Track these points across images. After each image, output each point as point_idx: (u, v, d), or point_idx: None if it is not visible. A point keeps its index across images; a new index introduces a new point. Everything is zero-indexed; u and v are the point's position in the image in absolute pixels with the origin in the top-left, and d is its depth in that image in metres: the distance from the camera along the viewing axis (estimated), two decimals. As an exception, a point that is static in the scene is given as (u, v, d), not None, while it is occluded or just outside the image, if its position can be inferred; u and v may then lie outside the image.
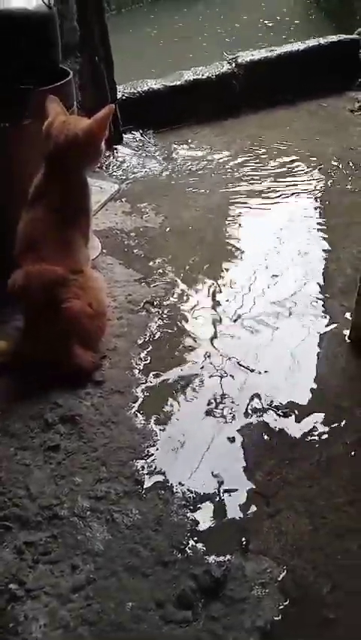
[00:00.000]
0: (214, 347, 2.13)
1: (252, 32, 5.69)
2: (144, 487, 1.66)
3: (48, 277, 1.92)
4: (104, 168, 3.34)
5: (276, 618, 1.36)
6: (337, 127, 3.78)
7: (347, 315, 2.22)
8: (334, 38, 4.21)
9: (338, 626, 1.35)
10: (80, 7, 2.99)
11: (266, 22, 6.29)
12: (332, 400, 1.91)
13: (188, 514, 1.58)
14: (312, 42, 4.17)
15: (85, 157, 2.06)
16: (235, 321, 2.26)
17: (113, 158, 3.43)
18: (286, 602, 1.40)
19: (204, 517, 1.58)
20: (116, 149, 3.48)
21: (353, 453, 1.74)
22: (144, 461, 1.73)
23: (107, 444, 1.77)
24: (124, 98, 3.58)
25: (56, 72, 2.26)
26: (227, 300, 2.37)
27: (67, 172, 2.03)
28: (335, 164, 3.32)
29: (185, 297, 2.38)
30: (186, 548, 1.50)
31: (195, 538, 1.53)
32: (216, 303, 2.35)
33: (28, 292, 1.93)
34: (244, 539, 1.52)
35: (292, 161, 3.36)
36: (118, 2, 6.57)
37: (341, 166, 3.30)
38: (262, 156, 3.44)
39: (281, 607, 1.39)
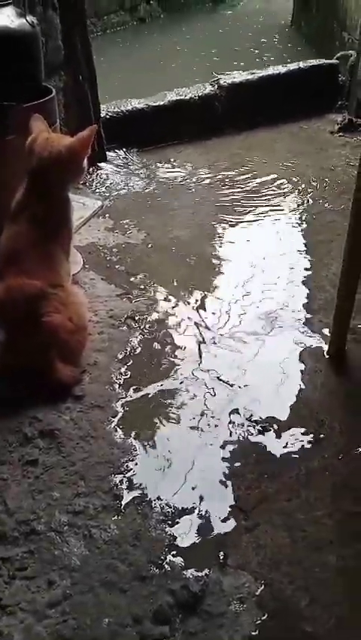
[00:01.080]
0: (195, 362, 2.14)
1: (234, 56, 5.81)
2: (123, 501, 1.65)
3: (29, 291, 1.92)
4: (87, 185, 3.36)
5: (254, 633, 1.36)
6: (317, 148, 3.85)
7: (326, 330, 2.25)
8: (314, 62, 4.32)
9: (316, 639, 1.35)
10: (65, 26, 3.04)
11: (248, 46, 6.42)
12: (311, 415, 1.92)
13: (166, 529, 1.57)
14: (293, 66, 4.27)
15: (67, 173, 2.09)
16: (216, 336, 2.27)
17: (97, 175, 3.46)
18: (264, 617, 1.39)
19: (183, 532, 1.57)
20: (99, 166, 3.51)
21: (331, 467, 1.75)
22: (122, 476, 1.72)
23: (86, 458, 1.76)
24: (108, 117, 3.62)
25: (39, 90, 2.29)
26: (209, 316, 2.38)
27: (49, 188, 2.05)
28: (315, 183, 3.38)
29: (167, 313, 2.39)
30: (164, 563, 1.49)
31: (174, 553, 1.52)
32: (198, 319, 2.37)
33: (8, 306, 1.93)
34: (222, 554, 1.52)
35: (274, 181, 3.41)
36: (104, 24, 6.68)
37: (321, 185, 3.36)
38: (245, 175, 3.49)
39: (259, 621, 1.38)
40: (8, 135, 2.17)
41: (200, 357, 2.17)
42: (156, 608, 1.39)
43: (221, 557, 1.51)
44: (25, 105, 2.15)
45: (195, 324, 2.34)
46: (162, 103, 3.84)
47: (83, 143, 2.05)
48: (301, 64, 4.27)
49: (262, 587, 1.45)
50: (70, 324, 1.98)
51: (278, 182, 3.40)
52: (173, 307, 2.43)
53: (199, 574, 1.47)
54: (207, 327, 2.32)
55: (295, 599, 1.42)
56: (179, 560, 1.50)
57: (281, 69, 4.21)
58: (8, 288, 1.93)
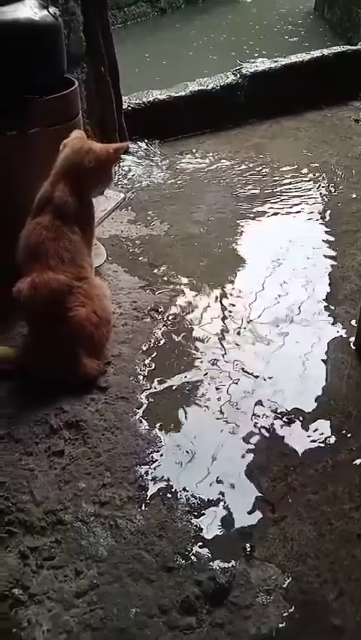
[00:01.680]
0: (219, 353, 2.13)
1: (257, 44, 5.74)
2: (148, 492, 1.65)
3: (54, 286, 1.91)
4: (109, 177, 3.35)
5: (281, 625, 1.35)
6: (341, 137, 3.79)
7: (353, 321, 2.22)
8: (338, 49, 4.24)
9: (345, 633, 1.34)
10: (86, 18, 3.02)
11: (270, 33, 6.34)
12: (337, 407, 1.90)
13: (192, 520, 1.57)
14: (316, 53, 4.20)
15: (97, 180, 2.10)
16: (240, 327, 2.25)
17: (119, 167, 3.45)
18: (292, 609, 1.38)
19: (209, 524, 1.57)
20: (122, 158, 3.50)
21: (359, 459, 1.73)
22: (148, 467, 1.72)
23: (112, 449, 1.77)
24: (130, 108, 3.61)
25: (61, 81, 2.28)
26: (233, 307, 2.37)
27: (79, 190, 2.05)
28: (340, 172, 3.33)
29: (190, 304, 2.38)
30: (191, 554, 1.49)
31: (200, 545, 1.52)
32: (221, 310, 2.35)
33: (34, 302, 1.91)
34: (248, 546, 1.51)
35: (298, 170, 3.37)
36: (125, 15, 6.65)
37: (345, 175, 3.30)
38: (268, 165, 3.45)
39: (286, 614, 1.37)
40: (31, 128, 2.16)
41: (224, 348, 2.16)
42: (182, 598, 1.40)
43: (248, 549, 1.50)
44: (48, 97, 2.14)
45: (219, 315, 2.33)
46: (183, 93, 3.81)
47: (115, 152, 2.09)
48: (325, 52, 4.20)
49: (290, 579, 1.44)
50: (95, 318, 1.98)
51: (302, 171, 3.36)
52: (196, 299, 2.42)
53: (226, 565, 1.47)
54: (230, 319, 2.30)
55: (323, 592, 1.41)
56: (205, 551, 1.50)
57: (305, 57, 4.14)
58: (34, 283, 1.91)
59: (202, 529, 1.55)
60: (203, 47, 6.12)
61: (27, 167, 2.21)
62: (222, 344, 2.18)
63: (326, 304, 2.35)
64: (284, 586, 1.42)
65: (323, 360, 2.09)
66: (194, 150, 3.69)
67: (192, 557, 1.49)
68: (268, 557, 1.48)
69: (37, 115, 2.17)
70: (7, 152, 2.18)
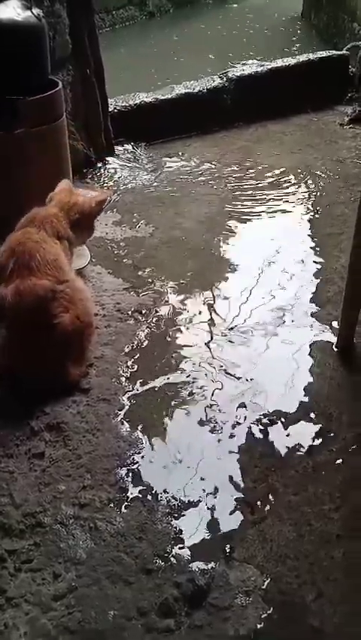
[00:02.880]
0: (203, 355, 2.13)
1: (244, 49, 5.76)
2: (129, 494, 1.64)
3: (40, 293, 1.88)
4: (95, 180, 3.36)
5: (260, 626, 1.35)
6: (327, 140, 3.81)
7: (335, 324, 2.23)
8: (324, 54, 4.27)
9: (323, 634, 1.34)
10: (72, 20, 3.02)
11: (258, 38, 6.37)
12: (319, 408, 1.91)
13: (172, 522, 1.57)
14: (302, 57, 4.22)
15: (80, 230, 2.17)
16: (224, 330, 2.26)
17: (105, 170, 3.45)
18: (270, 611, 1.38)
19: (189, 525, 1.57)
20: (107, 161, 3.50)
21: (339, 460, 1.73)
22: (128, 469, 1.71)
23: (93, 451, 1.76)
24: (116, 110, 3.61)
25: (45, 83, 2.28)
26: (217, 310, 2.37)
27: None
28: (325, 176, 3.35)
29: (174, 306, 2.38)
30: (170, 556, 1.49)
31: (179, 546, 1.51)
32: (205, 312, 2.35)
33: (19, 309, 1.87)
34: (228, 547, 1.51)
35: (283, 173, 3.39)
36: (113, 19, 6.66)
37: (330, 178, 3.32)
38: (254, 168, 3.46)
39: (265, 615, 1.37)
40: (16, 129, 2.15)
41: (208, 350, 2.15)
42: (161, 600, 1.39)
43: (227, 551, 1.50)
44: (32, 98, 2.14)
45: (203, 317, 2.32)
46: (170, 96, 3.81)
47: (100, 204, 2.20)
48: (311, 56, 4.22)
49: (268, 580, 1.44)
50: (78, 323, 1.97)
51: (287, 174, 3.37)
52: (181, 301, 2.42)
53: (205, 567, 1.46)
54: (215, 321, 2.30)
55: (302, 594, 1.41)
56: (185, 552, 1.50)
57: (291, 61, 4.17)
58: (18, 290, 1.88)
59: (182, 530, 1.55)
60: (191, 51, 6.14)
61: (13, 169, 2.21)
62: (206, 346, 2.18)
63: (310, 306, 2.36)
64: (263, 587, 1.42)
65: (305, 362, 2.09)
66: (180, 153, 3.70)
67: (172, 559, 1.48)
68: (247, 558, 1.48)
69: (21, 116, 2.17)
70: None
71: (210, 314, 2.34)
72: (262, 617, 1.37)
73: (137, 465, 1.73)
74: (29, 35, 2.13)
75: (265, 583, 1.43)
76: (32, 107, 2.16)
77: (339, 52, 4.30)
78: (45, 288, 1.88)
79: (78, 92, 3.17)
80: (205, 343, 2.19)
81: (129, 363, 2.09)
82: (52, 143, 2.29)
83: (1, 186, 2.22)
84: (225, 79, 4.01)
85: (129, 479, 1.68)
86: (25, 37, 2.12)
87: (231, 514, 1.59)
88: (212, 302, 2.41)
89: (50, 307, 1.89)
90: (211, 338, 2.22)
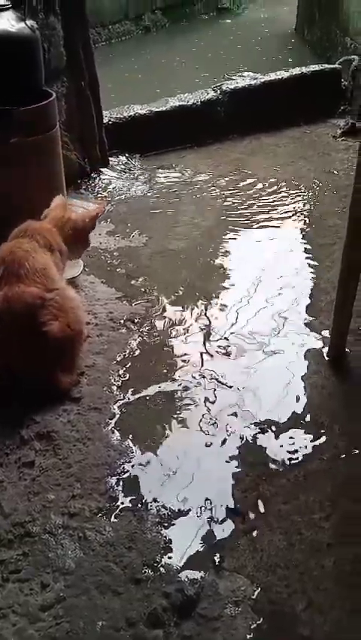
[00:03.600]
0: (195, 365, 2.13)
1: (239, 63, 5.82)
2: (119, 504, 1.63)
3: (28, 300, 1.89)
4: (89, 190, 3.37)
5: (249, 636, 1.33)
6: (320, 152, 3.85)
7: (326, 333, 2.23)
8: (316, 68, 4.32)
9: (313, 644, 1.33)
10: (67, 32, 3.05)
11: (252, 53, 6.44)
12: (310, 417, 1.90)
13: (162, 532, 1.56)
14: (295, 71, 4.27)
15: (74, 245, 2.22)
16: (217, 339, 2.26)
17: (99, 180, 3.47)
18: (260, 621, 1.37)
19: (179, 535, 1.55)
20: (102, 172, 3.51)
21: (330, 468, 1.73)
22: (119, 478, 1.70)
23: (83, 460, 1.75)
24: (110, 122, 3.63)
25: (39, 94, 2.30)
26: (210, 319, 2.37)
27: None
28: (318, 187, 3.37)
29: (167, 316, 2.38)
30: (160, 566, 1.48)
31: (169, 556, 1.50)
32: (199, 322, 2.35)
33: (7, 316, 1.88)
34: (218, 557, 1.50)
35: (277, 185, 3.41)
36: (109, 33, 6.72)
37: (323, 189, 3.35)
38: (247, 180, 3.48)
39: (254, 625, 1.36)
40: (9, 138, 2.16)
41: (201, 359, 2.15)
42: (150, 611, 1.38)
43: (217, 560, 1.49)
44: (25, 108, 2.16)
45: (197, 327, 2.33)
46: (164, 108, 3.85)
47: (93, 220, 2.26)
48: (304, 70, 4.28)
49: (259, 590, 1.43)
50: (68, 331, 1.96)
51: (281, 186, 3.40)
52: (174, 311, 2.42)
53: (195, 577, 1.45)
54: (208, 330, 2.30)
55: (292, 603, 1.40)
56: (174, 562, 1.49)
57: (284, 74, 4.21)
58: (6, 297, 1.88)
59: (172, 540, 1.54)
60: (186, 65, 6.19)
61: (5, 180, 2.21)
62: (199, 355, 2.18)
63: (303, 316, 2.37)
64: (253, 597, 1.41)
65: (297, 371, 2.09)
66: (174, 165, 3.72)
67: (161, 569, 1.47)
68: (237, 568, 1.47)
69: (14, 126, 2.18)
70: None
71: (204, 323, 2.34)
72: (252, 627, 1.35)
73: (127, 474, 1.72)
74: (22, 46, 2.15)
75: (255, 593, 1.42)
76: (26, 117, 2.17)
77: (332, 66, 4.35)
78: (33, 295, 1.88)
79: (73, 103, 3.20)
80: (198, 352, 2.19)
81: (121, 371, 2.09)
82: (45, 153, 2.30)
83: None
84: (219, 91, 4.05)
85: (119, 488, 1.67)
86: (18, 48, 2.14)
87: (221, 523, 1.58)
88: (205, 311, 2.41)
89: (39, 314, 1.89)
90: (204, 347, 2.22)
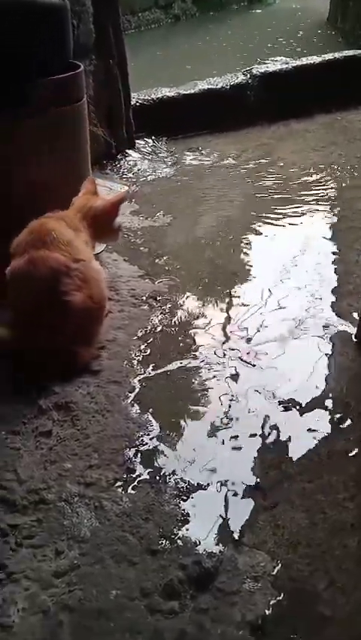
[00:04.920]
0: (218, 342, 2.08)
1: (270, 52, 5.75)
2: (137, 475, 1.59)
3: (53, 265, 1.86)
4: (115, 171, 3.34)
5: (268, 612, 1.28)
6: (351, 138, 3.76)
7: (355, 314, 2.17)
8: (349, 53, 4.24)
9: (334, 623, 1.27)
10: (96, 10, 3.02)
11: (283, 42, 6.35)
12: (336, 397, 1.84)
13: (180, 504, 1.51)
14: (328, 56, 4.19)
15: (99, 232, 2.16)
16: (240, 317, 2.20)
17: (125, 162, 3.44)
18: (280, 597, 1.32)
19: (198, 508, 1.51)
20: (127, 153, 3.48)
21: (355, 450, 1.67)
22: (137, 450, 1.67)
23: (101, 432, 1.72)
24: (138, 104, 3.60)
25: (67, 66, 2.26)
26: (235, 297, 2.32)
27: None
28: (348, 173, 3.29)
29: (189, 294, 2.34)
30: (177, 538, 1.43)
31: (187, 529, 1.46)
32: (223, 299, 2.31)
33: (31, 279, 1.86)
34: (237, 532, 1.45)
35: (306, 169, 3.34)
36: (138, 21, 6.69)
37: (353, 174, 3.27)
38: (275, 164, 3.42)
39: (274, 601, 1.31)
40: (35, 106, 2.12)
41: (225, 337, 2.10)
42: (166, 582, 1.33)
43: (237, 535, 1.44)
44: (53, 78, 2.12)
45: (221, 304, 2.28)
46: (192, 91, 3.80)
47: (115, 205, 2.18)
48: (337, 55, 4.19)
49: (279, 567, 1.37)
50: (90, 303, 1.93)
51: (310, 170, 3.33)
52: (198, 289, 2.37)
53: (213, 550, 1.40)
54: (232, 308, 2.25)
55: (313, 581, 1.35)
56: (192, 535, 1.44)
57: (316, 59, 4.14)
58: (32, 259, 1.86)
59: (190, 513, 1.49)
60: (217, 53, 6.14)
61: (29, 155, 2.18)
62: (222, 333, 2.13)
63: (331, 298, 2.30)
64: (273, 573, 1.36)
65: (323, 352, 2.03)
66: (201, 148, 3.67)
67: (178, 541, 1.43)
68: (257, 544, 1.42)
69: (42, 96, 2.14)
70: (9, 133, 2.15)
71: (229, 303, 2.29)
72: (271, 603, 1.30)
73: (146, 447, 1.68)
74: (52, 14, 2.11)
75: (276, 569, 1.37)
76: (53, 88, 2.13)
77: (365, 52, 4.25)
78: (59, 262, 1.85)
79: (100, 81, 3.16)
80: (222, 331, 2.14)
81: (142, 347, 2.05)
82: (72, 126, 2.26)
83: (16, 172, 2.18)
84: (248, 75, 3.99)
85: (138, 460, 1.64)
86: (47, 16, 2.10)
87: (241, 498, 1.53)
88: (230, 290, 2.36)
89: (63, 282, 1.85)
90: (228, 326, 2.17)
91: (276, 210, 2.94)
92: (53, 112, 2.13)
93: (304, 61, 4.13)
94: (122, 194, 2.23)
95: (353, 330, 2.10)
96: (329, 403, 1.82)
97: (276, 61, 4.16)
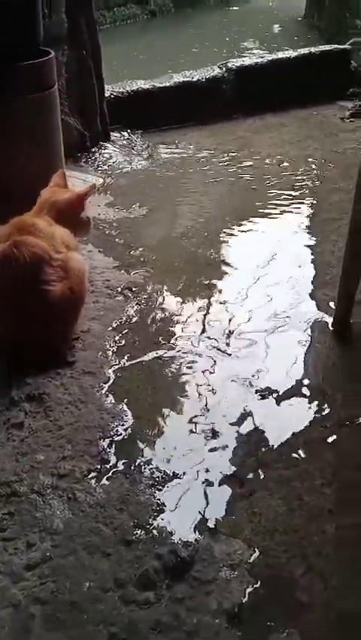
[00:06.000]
0: (193, 332, 2.06)
1: (247, 47, 5.75)
2: (111, 466, 1.56)
3: (37, 251, 1.82)
4: (89, 163, 3.30)
5: (245, 600, 1.26)
6: (327, 133, 3.77)
7: (331, 304, 2.16)
8: (325, 48, 4.26)
9: (312, 609, 1.25)
10: (69, 0, 2.98)
11: (259, 38, 6.36)
12: (313, 385, 1.83)
13: (156, 494, 1.48)
14: (304, 50, 4.20)
15: (68, 224, 2.07)
16: (217, 309, 2.18)
17: (100, 154, 3.40)
18: (257, 585, 1.29)
19: (173, 497, 1.48)
20: (102, 145, 3.44)
21: (333, 437, 1.65)
22: (112, 441, 1.63)
23: (75, 423, 1.68)
24: (112, 96, 3.56)
25: (36, 53, 2.22)
26: (211, 287, 2.30)
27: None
28: (324, 165, 3.30)
29: (166, 285, 2.31)
30: (152, 528, 1.40)
31: (162, 518, 1.43)
32: (199, 291, 2.28)
33: (12, 262, 1.79)
34: (214, 520, 1.42)
35: (282, 162, 3.34)
36: (114, 16, 6.65)
37: (329, 167, 3.27)
38: (251, 157, 3.41)
39: (251, 589, 1.28)
40: (4, 96, 2.09)
41: (201, 326, 2.08)
42: (141, 572, 1.30)
43: (213, 524, 1.42)
44: (21, 64, 2.08)
45: (197, 295, 2.26)
46: (168, 84, 3.78)
47: (80, 197, 2.09)
48: (313, 49, 4.21)
49: (256, 554, 1.35)
50: (70, 295, 1.89)
51: (286, 163, 3.33)
52: (174, 280, 2.34)
53: (189, 539, 1.37)
54: (209, 300, 2.23)
55: (290, 568, 1.33)
56: (168, 525, 1.41)
57: (292, 53, 4.15)
58: (16, 243, 1.81)
59: (166, 502, 1.46)
60: (192, 48, 6.12)
61: (3, 136, 2.14)
62: (199, 324, 2.10)
63: (308, 287, 2.29)
64: (250, 561, 1.34)
65: (301, 341, 2.02)
66: (177, 141, 3.65)
67: (154, 531, 1.40)
68: (234, 532, 1.40)
69: (10, 82, 2.10)
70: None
71: (205, 293, 2.27)
72: (248, 591, 1.28)
73: (120, 437, 1.64)
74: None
75: (252, 557, 1.34)
76: (22, 74, 2.09)
77: (341, 47, 4.29)
78: (43, 248, 1.82)
79: (74, 73, 3.12)
80: (199, 321, 2.12)
81: (117, 337, 2.02)
82: (42, 114, 2.22)
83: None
84: (224, 69, 3.98)
85: (112, 451, 1.60)
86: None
87: (218, 487, 1.51)
88: (207, 282, 2.34)
89: (44, 270, 1.82)
90: (205, 316, 2.14)
91: (253, 203, 2.92)
92: (22, 99, 2.09)
93: (280, 55, 4.13)
94: (89, 187, 2.16)
95: (330, 319, 2.10)
96: (306, 391, 1.81)
97: (253, 55, 4.15)
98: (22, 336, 1.84)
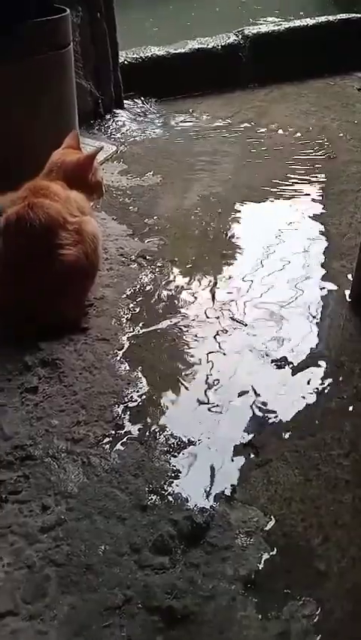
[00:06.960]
0: (209, 300, 2.03)
1: (265, 14, 5.60)
2: (126, 432, 1.54)
3: (51, 212, 1.79)
4: (102, 131, 3.24)
5: (261, 567, 1.25)
6: (343, 103, 3.68)
7: (349, 275, 2.12)
8: (344, 16, 4.12)
9: (329, 578, 1.24)
10: None
11: (276, 10, 6.19)
12: (330, 356, 1.80)
13: (171, 460, 1.47)
14: (322, 19, 4.08)
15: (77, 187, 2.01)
16: (232, 278, 2.15)
17: (113, 122, 3.33)
18: (273, 552, 1.28)
19: (188, 464, 1.47)
20: (116, 113, 3.37)
21: (350, 408, 1.63)
22: (126, 407, 1.61)
23: (89, 388, 1.66)
24: (126, 63, 3.48)
25: (51, 11, 2.15)
26: (226, 257, 2.26)
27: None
28: (341, 136, 3.22)
29: (181, 254, 2.27)
30: (167, 494, 1.39)
31: (177, 485, 1.41)
32: (214, 259, 2.25)
33: (27, 223, 1.76)
34: (229, 488, 1.41)
35: (297, 132, 3.26)
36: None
37: (345, 138, 3.20)
38: (267, 127, 3.34)
39: (267, 556, 1.27)
40: (19, 53, 2.02)
41: (215, 297, 2.05)
42: (156, 537, 1.29)
43: (228, 491, 1.40)
44: (36, 20, 2.01)
45: (212, 264, 2.22)
46: (183, 50, 3.68)
47: (87, 159, 2.04)
48: (331, 18, 4.09)
49: (272, 522, 1.34)
50: (84, 261, 1.85)
51: (302, 133, 3.25)
52: (188, 248, 2.31)
53: (204, 506, 1.36)
54: (225, 269, 2.19)
55: (308, 537, 1.31)
56: (183, 491, 1.40)
57: (309, 21, 4.02)
58: (31, 204, 1.78)
59: (181, 469, 1.45)
60: (208, 19, 5.97)
61: (12, 104, 2.08)
62: (214, 292, 2.07)
63: (325, 259, 2.25)
64: (266, 529, 1.32)
65: (317, 312, 1.99)
66: (191, 110, 3.57)
67: (169, 497, 1.38)
68: (250, 500, 1.38)
69: (25, 40, 2.04)
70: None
71: (221, 262, 2.23)
72: (264, 558, 1.27)
73: (135, 403, 1.63)
74: None
75: (269, 525, 1.33)
76: (36, 32, 2.03)
77: (360, 15, 4.13)
78: (57, 211, 1.79)
79: (87, 35, 3.04)
80: (214, 290, 2.08)
81: (131, 305, 1.99)
82: (57, 74, 2.16)
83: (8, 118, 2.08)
84: (240, 36, 3.87)
85: (127, 417, 1.58)
86: None
87: (233, 455, 1.49)
88: (221, 250, 2.30)
89: (58, 234, 1.78)
90: (220, 285, 2.11)
91: (269, 173, 2.86)
92: (36, 58, 2.03)
93: (298, 23, 4.01)
94: (97, 149, 2.12)
95: (347, 291, 2.06)
96: (322, 362, 1.78)
97: (268, 22, 4.04)
98: (34, 301, 1.81)
